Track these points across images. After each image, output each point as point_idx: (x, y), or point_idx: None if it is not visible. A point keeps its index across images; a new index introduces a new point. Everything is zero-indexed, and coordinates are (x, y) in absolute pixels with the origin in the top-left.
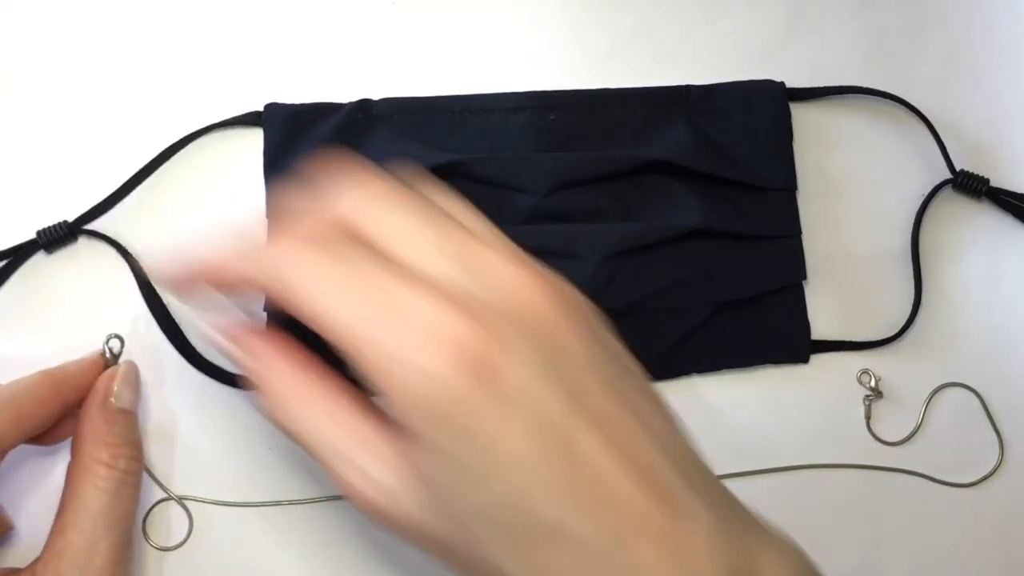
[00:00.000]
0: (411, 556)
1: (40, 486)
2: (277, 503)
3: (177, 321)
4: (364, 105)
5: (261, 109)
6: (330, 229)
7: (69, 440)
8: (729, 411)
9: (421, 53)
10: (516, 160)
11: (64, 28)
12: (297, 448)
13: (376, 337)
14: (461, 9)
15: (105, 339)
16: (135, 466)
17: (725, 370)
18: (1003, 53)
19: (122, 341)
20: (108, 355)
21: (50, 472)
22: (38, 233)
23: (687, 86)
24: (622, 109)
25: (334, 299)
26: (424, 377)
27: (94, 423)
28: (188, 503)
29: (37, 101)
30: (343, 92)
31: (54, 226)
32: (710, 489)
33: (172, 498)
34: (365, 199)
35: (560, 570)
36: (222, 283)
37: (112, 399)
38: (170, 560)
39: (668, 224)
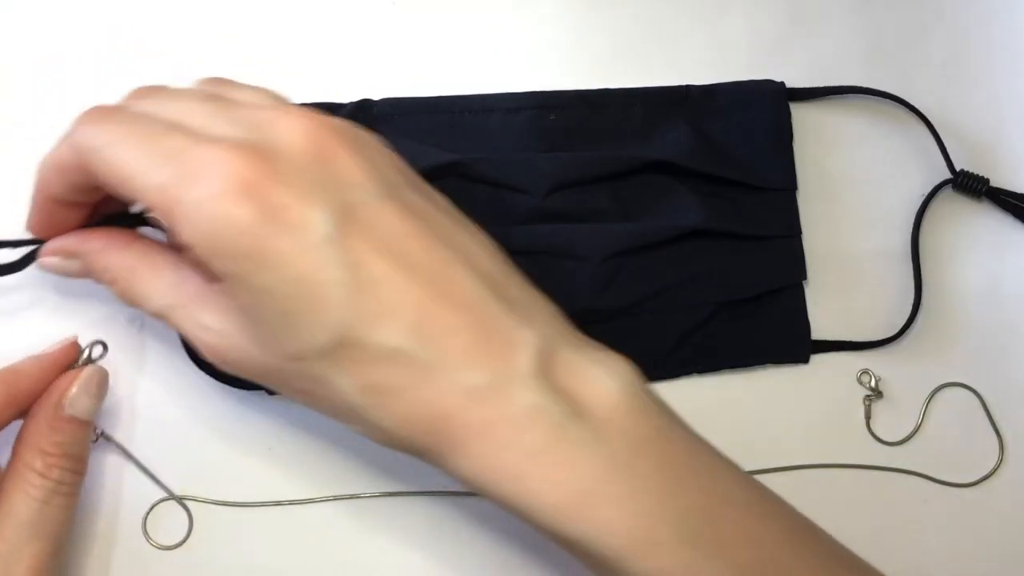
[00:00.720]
0: (413, 557)
1: None
2: (277, 503)
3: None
4: (364, 105)
5: None
6: (122, 110)
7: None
8: (729, 411)
9: (421, 53)
10: (516, 160)
11: (65, 26)
12: (297, 448)
13: (167, 187)
14: (461, 9)
15: (88, 344)
16: (71, 478)
17: (725, 370)
18: (1003, 53)
19: (105, 347)
20: (85, 359)
21: None
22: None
23: (687, 86)
24: (622, 109)
25: (128, 157)
26: (214, 218)
27: (38, 427)
28: (188, 503)
29: (42, 96)
30: (343, 92)
31: None
32: (532, 311)
33: (172, 497)
34: (150, 93)
35: (385, 384)
36: (53, 182)
37: (64, 404)
38: (170, 559)
39: (668, 224)
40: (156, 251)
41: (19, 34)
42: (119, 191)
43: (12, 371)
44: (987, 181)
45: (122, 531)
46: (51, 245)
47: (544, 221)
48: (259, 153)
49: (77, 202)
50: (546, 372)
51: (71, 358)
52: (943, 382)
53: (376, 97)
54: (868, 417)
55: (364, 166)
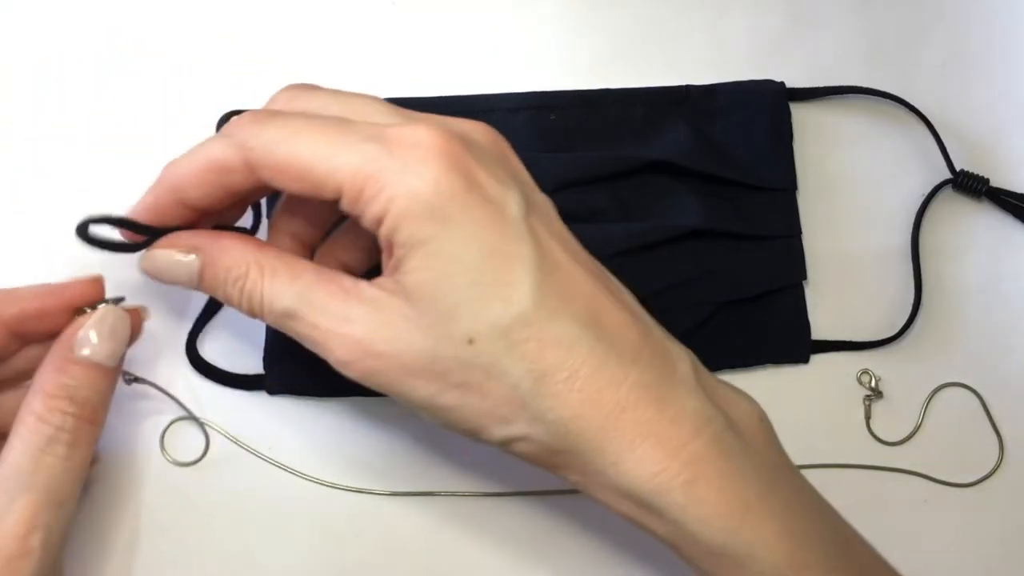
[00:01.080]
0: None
1: None
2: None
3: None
4: None
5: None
6: (280, 105)
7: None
8: None
9: (421, 53)
10: None
11: (65, 26)
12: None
13: (368, 163)
14: (461, 9)
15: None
16: (74, 424)
17: (725, 370)
18: (1003, 53)
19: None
20: (108, 302)
21: None
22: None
23: (687, 86)
24: (623, 109)
25: (318, 144)
26: (420, 178)
27: (44, 368)
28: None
29: (45, 95)
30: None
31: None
32: (677, 341)
33: (192, 417)
34: (306, 91)
35: (561, 370)
36: (191, 183)
37: (75, 344)
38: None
39: (668, 224)
40: (293, 256)
41: (19, 34)
42: (295, 184)
43: (4, 292)
44: (987, 181)
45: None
46: (169, 238)
47: None
48: (455, 134)
49: (201, 207)
50: (706, 385)
51: (87, 296)
52: (943, 382)
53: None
54: (868, 417)
55: (526, 170)
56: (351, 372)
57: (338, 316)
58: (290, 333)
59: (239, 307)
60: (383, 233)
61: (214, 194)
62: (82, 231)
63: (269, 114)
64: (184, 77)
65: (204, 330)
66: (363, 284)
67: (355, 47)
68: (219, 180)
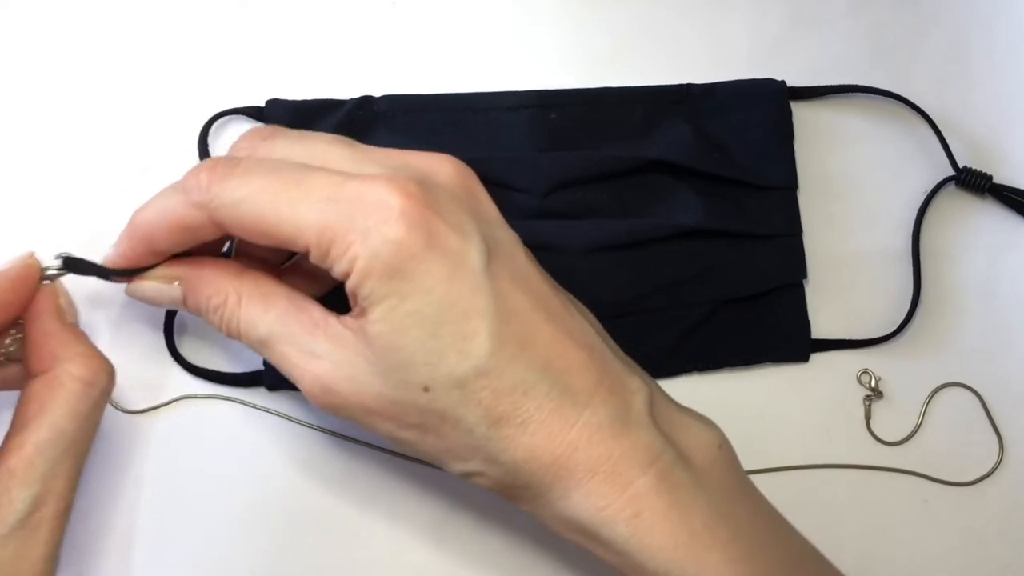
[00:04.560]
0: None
1: None
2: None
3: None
4: (366, 102)
5: (263, 105)
6: (250, 158)
7: None
8: (729, 411)
9: (421, 53)
10: (516, 159)
11: (68, 21)
12: None
13: (331, 224)
14: (461, 9)
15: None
16: (111, 386)
17: (725, 369)
18: (1005, 50)
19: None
20: (50, 272)
21: None
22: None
23: (688, 85)
24: (623, 108)
25: (281, 204)
26: (381, 241)
27: (59, 337)
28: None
29: (42, 96)
30: (345, 90)
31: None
32: (632, 366)
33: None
34: (271, 136)
35: (513, 417)
36: (161, 237)
37: (68, 315)
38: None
39: (668, 223)
40: (268, 280)
41: (19, 32)
42: (261, 238)
43: None
44: (990, 178)
45: None
46: (152, 272)
47: (545, 220)
48: (417, 184)
49: (175, 252)
50: (659, 419)
51: (31, 275)
52: (943, 382)
53: (378, 95)
54: (868, 417)
55: (496, 209)
56: (315, 404)
57: (305, 350)
58: (266, 358)
59: (220, 331)
60: (348, 286)
61: (185, 244)
62: (69, 263)
63: (229, 166)
64: (187, 72)
65: (203, 328)
66: (332, 320)
67: (356, 46)
68: (188, 236)
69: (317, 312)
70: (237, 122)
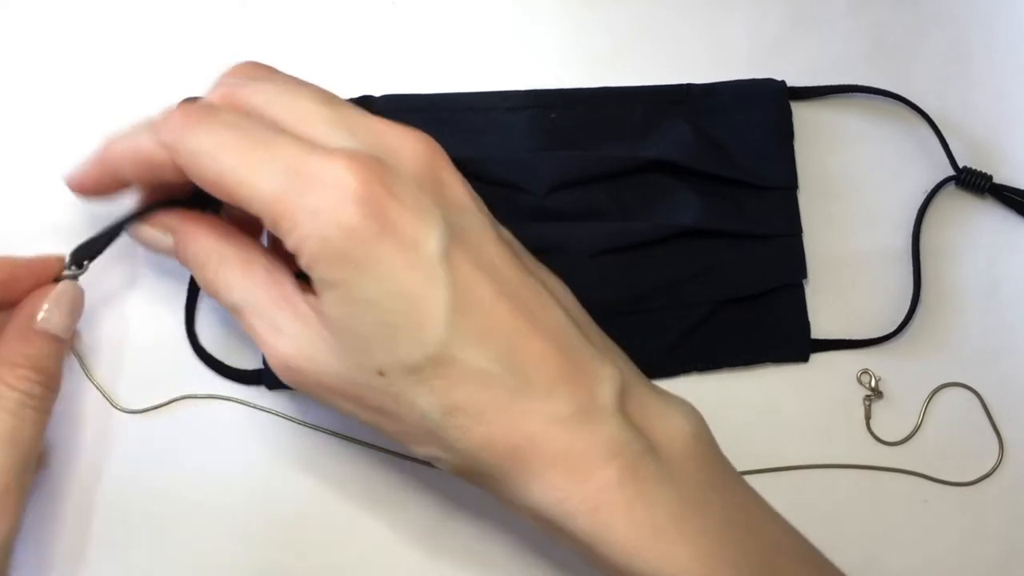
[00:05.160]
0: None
1: None
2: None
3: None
4: (365, 101)
5: None
6: (222, 103)
7: None
8: (729, 411)
9: (421, 53)
10: (516, 160)
11: (67, 21)
12: None
13: (284, 197)
14: (461, 9)
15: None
16: (40, 391)
17: (725, 369)
18: (1005, 50)
19: (83, 266)
20: (68, 271)
21: None
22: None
23: (688, 85)
24: (623, 108)
25: (241, 166)
26: (332, 225)
27: (9, 339)
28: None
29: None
30: (345, 89)
31: None
32: (606, 351)
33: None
34: (251, 77)
35: (469, 406)
36: (126, 167)
37: (36, 317)
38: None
39: (668, 223)
40: (252, 249)
41: (18, 32)
42: (219, 194)
43: None
44: (990, 178)
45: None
46: (153, 219)
47: (545, 220)
48: (378, 166)
49: (139, 185)
50: (624, 408)
51: (47, 270)
52: (943, 382)
53: (378, 94)
54: (868, 417)
55: (469, 193)
56: (281, 377)
57: (271, 324)
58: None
59: (203, 289)
60: (301, 265)
61: (148, 179)
62: (77, 254)
63: (203, 114)
64: (184, 77)
65: (201, 327)
66: (300, 297)
67: (356, 46)
68: (152, 172)
69: (289, 286)
70: None
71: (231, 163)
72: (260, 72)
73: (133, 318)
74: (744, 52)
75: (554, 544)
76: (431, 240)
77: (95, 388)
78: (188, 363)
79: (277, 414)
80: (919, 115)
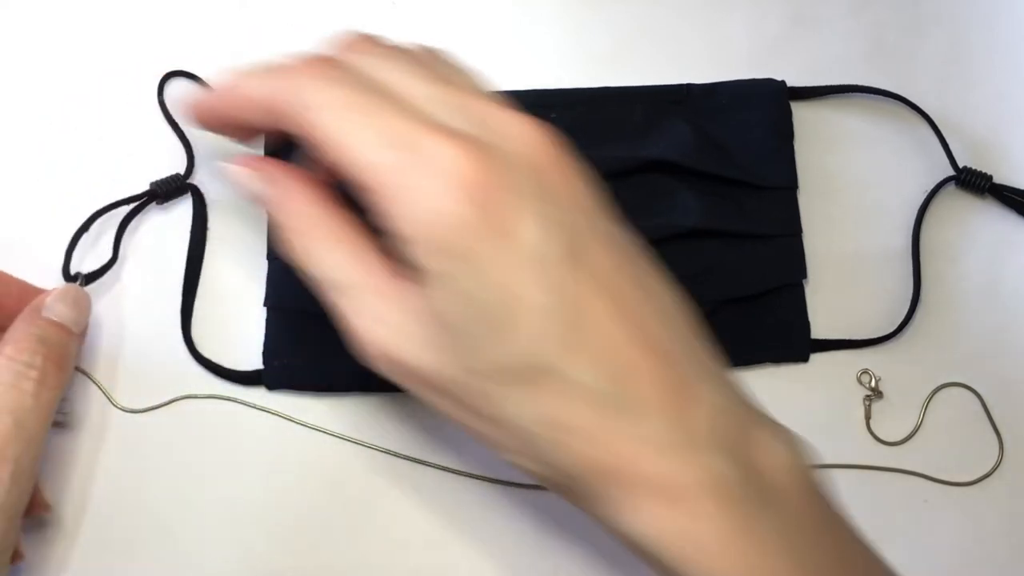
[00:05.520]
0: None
1: None
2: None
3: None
4: None
5: None
6: (347, 69)
7: None
8: None
9: None
10: None
11: (66, 20)
12: None
13: (391, 172)
14: (461, 9)
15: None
16: (42, 364)
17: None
18: (1005, 50)
19: (87, 280)
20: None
21: None
22: (152, 185)
23: (687, 85)
24: (623, 108)
25: (353, 129)
26: (435, 212)
27: (15, 324)
28: None
29: (40, 93)
30: None
31: (168, 178)
32: (713, 371)
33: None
34: (366, 47)
35: (567, 421)
36: (242, 110)
37: (42, 308)
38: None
39: (668, 223)
40: (353, 225)
41: (18, 30)
42: (327, 154)
43: None
44: (990, 178)
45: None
46: (254, 160)
47: None
48: (491, 156)
49: (252, 129)
50: (727, 435)
51: (35, 293)
52: (943, 382)
53: None
54: (868, 417)
55: (588, 192)
56: (376, 365)
57: (370, 312)
58: (322, 298)
59: (287, 252)
60: (398, 245)
61: (263, 123)
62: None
63: (326, 67)
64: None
65: (200, 327)
66: (400, 285)
67: None
68: (266, 118)
69: (388, 271)
70: None
71: (344, 124)
72: (369, 41)
73: (133, 318)
74: (744, 52)
75: (555, 546)
76: (539, 240)
77: (95, 387)
78: (188, 363)
79: (277, 414)
80: (919, 115)
